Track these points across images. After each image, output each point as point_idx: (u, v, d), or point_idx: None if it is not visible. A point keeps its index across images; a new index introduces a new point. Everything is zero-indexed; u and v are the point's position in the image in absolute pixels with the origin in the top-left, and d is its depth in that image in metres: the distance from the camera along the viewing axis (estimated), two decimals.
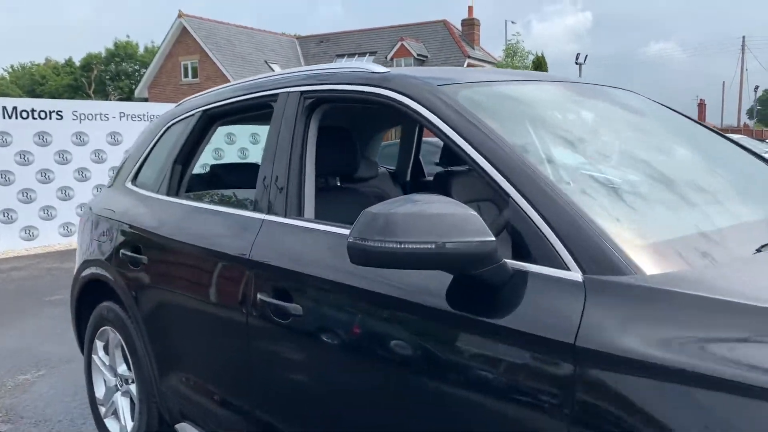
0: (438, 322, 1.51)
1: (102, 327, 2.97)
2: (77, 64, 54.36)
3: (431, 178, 3.76)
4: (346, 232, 1.80)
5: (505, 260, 1.41)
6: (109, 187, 3.23)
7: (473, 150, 1.60)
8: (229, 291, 2.16)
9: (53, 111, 9.25)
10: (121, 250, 2.71)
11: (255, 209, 2.17)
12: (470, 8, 34.39)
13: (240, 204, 2.57)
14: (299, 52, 36.57)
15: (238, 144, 11.47)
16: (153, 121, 3.18)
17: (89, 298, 3.08)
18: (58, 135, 9.30)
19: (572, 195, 1.46)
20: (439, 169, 3.77)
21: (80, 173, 9.57)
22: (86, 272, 3.04)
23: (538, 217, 1.43)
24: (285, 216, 2.05)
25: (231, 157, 11.31)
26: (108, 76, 52.96)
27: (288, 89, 2.23)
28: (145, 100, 31.10)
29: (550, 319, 1.32)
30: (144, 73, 37.00)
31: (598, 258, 1.33)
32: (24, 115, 8.96)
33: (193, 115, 2.73)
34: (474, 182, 3.05)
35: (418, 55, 32.33)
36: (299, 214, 2.05)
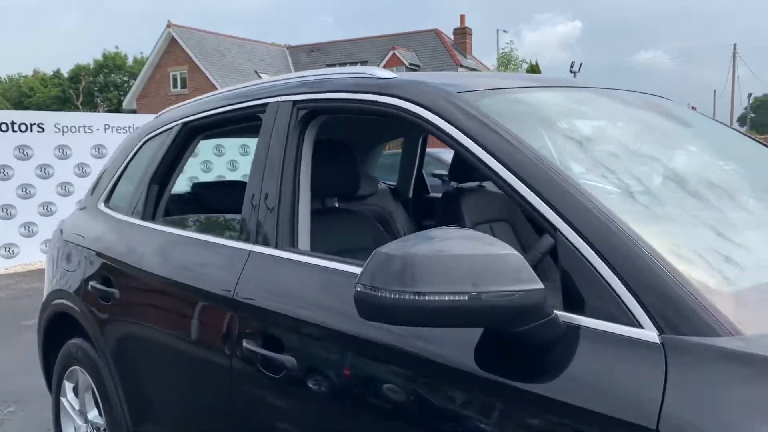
0: (465, 387, 1.21)
1: (71, 367, 2.64)
2: (65, 75, 53.93)
3: (436, 195, 3.47)
4: (349, 268, 1.51)
5: (557, 312, 1.11)
6: (81, 209, 2.90)
7: (507, 170, 1.30)
8: (210, 335, 1.85)
9: (34, 123, 8.88)
10: (91, 282, 2.39)
11: (241, 238, 1.87)
12: (462, 17, 34.33)
13: (224, 231, 2.26)
14: (290, 62, 36.33)
15: (227, 156, 11.14)
16: (129, 134, 2.87)
17: (58, 333, 2.76)
18: (40, 148, 8.94)
19: (637, 226, 1.16)
20: (437, 181, 3.52)
21: (63, 188, 9.21)
22: (54, 304, 2.72)
23: (596, 255, 1.13)
24: (276, 247, 1.75)
25: (220, 169, 10.98)
26: (96, 87, 52.53)
27: (278, 98, 1.93)
28: (134, 111, 30.72)
29: (619, 394, 1.02)
30: (133, 84, 36.66)
31: (680, 311, 1.03)
32: (3, 128, 8.59)
33: (171, 128, 2.43)
34: (486, 201, 2.76)
35: (410, 64, 32.17)
36: (292, 244, 1.75)
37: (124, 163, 2.68)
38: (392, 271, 1.06)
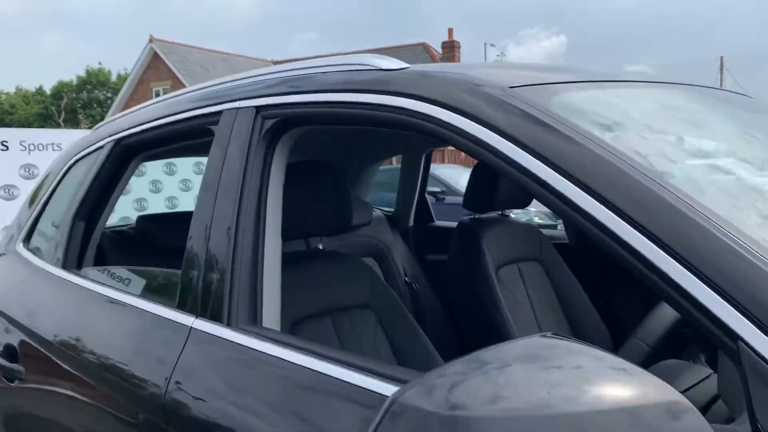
0: None
1: None
2: (48, 92, 53.18)
3: (445, 224, 2.90)
4: (341, 374, 0.94)
5: None
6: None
7: (638, 230, 0.73)
8: None
9: None
10: None
11: (180, 305, 1.29)
12: (450, 30, 34.02)
13: (163, 290, 1.67)
14: None
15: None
16: (59, 154, 2.27)
17: None
18: (4, 168, 8.24)
19: None
20: (431, 199, 2.98)
21: None
22: None
23: None
24: (227, 323, 1.17)
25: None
26: (79, 104, 51.78)
27: (236, 104, 1.36)
28: None
29: None
30: (115, 100, 36.05)
31: None
32: None
33: (102, 147, 1.84)
34: (512, 235, 2.18)
35: None
36: (253, 321, 1.17)
37: (48, 192, 2.09)
38: None
